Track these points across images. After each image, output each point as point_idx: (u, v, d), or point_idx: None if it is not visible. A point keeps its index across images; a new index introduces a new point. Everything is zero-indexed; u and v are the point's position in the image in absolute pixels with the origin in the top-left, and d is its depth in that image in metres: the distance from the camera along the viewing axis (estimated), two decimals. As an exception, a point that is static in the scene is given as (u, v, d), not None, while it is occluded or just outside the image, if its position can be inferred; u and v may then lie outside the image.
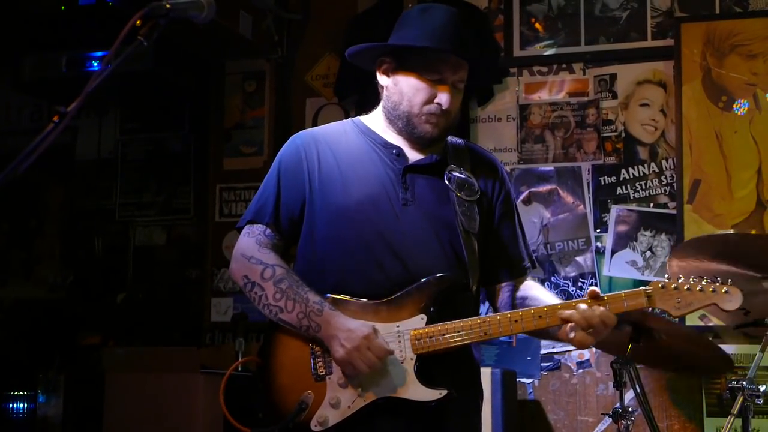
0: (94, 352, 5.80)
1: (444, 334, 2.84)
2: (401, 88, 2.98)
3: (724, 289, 2.77)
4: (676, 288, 2.79)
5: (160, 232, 6.34)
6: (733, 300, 2.77)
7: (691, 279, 2.80)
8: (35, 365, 5.52)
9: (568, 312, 2.81)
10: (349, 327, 2.81)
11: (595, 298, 2.82)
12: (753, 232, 4.93)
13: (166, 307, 6.20)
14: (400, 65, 2.99)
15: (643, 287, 2.82)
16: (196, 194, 6.26)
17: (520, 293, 3.09)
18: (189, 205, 6.29)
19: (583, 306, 2.80)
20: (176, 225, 6.32)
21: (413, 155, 3.03)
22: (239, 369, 3.29)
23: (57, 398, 4.51)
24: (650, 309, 2.88)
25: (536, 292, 3.07)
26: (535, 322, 2.83)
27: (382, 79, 3.05)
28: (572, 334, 2.82)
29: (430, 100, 2.95)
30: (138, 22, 2.40)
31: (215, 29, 5.47)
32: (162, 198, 6.34)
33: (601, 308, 2.79)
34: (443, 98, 2.94)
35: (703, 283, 2.78)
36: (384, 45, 3.04)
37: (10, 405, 4.68)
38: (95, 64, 5.67)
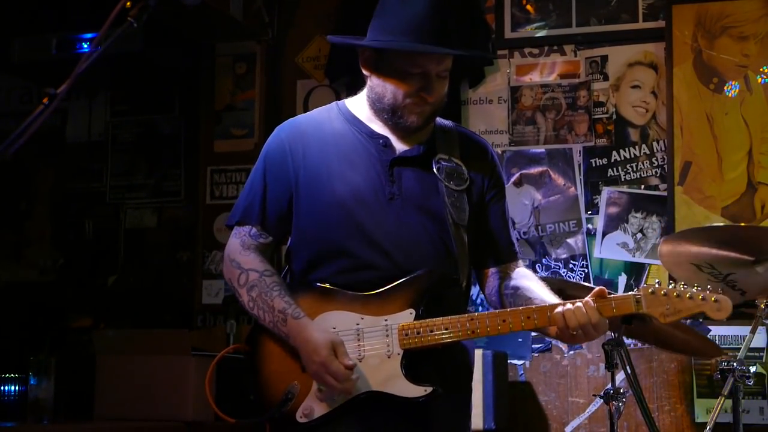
0: (85, 334, 5.79)
1: (432, 330, 2.81)
2: (384, 81, 2.92)
3: (714, 297, 2.74)
4: (665, 294, 2.76)
5: (151, 215, 6.33)
6: (722, 310, 2.74)
7: (681, 285, 2.77)
8: (26, 348, 5.50)
9: (559, 317, 2.76)
10: (310, 345, 2.78)
11: (601, 297, 2.76)
12: (742, 224, 4.93)
13: (157, 289, 6.20)
14: (381, 57, 2.93)
15: (633, 292, 2.78)
16: (187, 176, 6.25)
17: (511, 282, 3.03)
18: (180, 187, 6.28)
19: (579, 308, 2.75)
20: (167, 207, 6.31)
21: (400, 146, 2.98)
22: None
23: (48, 381, 4.49)
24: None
25: (527, 282, 3.01)
26: (523, 323, 2.80)
27: (365, 69, 3.01)
28: (561, 334, 2.80)
29: (413, 93, 2.89)
30: (128, 3, 2.39)
31: (205, 11, 5.45)
32: (152, 180, 6.33)
33: (597, 316, 2.74)
34: (427, 91, 2.89)
35: (693, 290, 2.75)
36: (361, 45, 2.97)
37: (2, 388, 4.67)
38: (85, 46, 5.66)
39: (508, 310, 2.85)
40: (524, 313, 2.81)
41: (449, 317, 2.82)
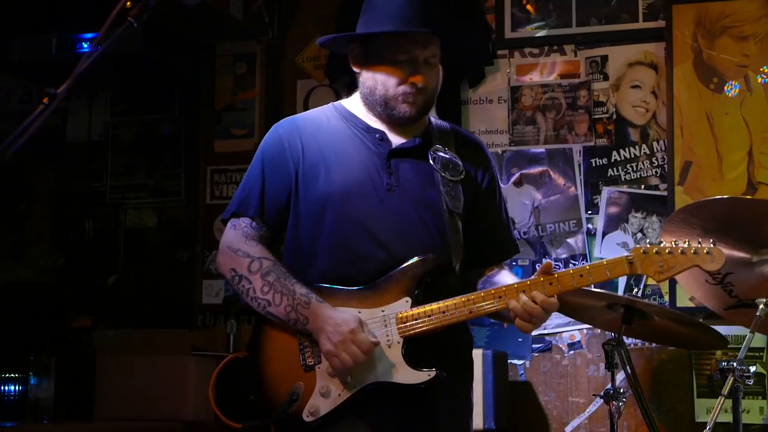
0: (85, 334, 5.81)
1: (429, 316, 2.84)
2: (374, 74, 2.97)
3: (706, 249, 2.76)
4: (657, 252, 2.78)
5: (151, 215, 6.33)
6: (715, 261, 2.76)
7: (672, 242, 2.79)
8: (26, 348, 5.51)
9: (512, 303, 2.82)
10: (336, 320, 2.81)
11: (546, 273, 2.82)
12: (747, 196, 4.91)
13: (157, 289, 6.20)
14: (370, 50, 2.98)
15: (625, 254, 2.82)
16: (187, 176, 6.25)
17: (488, 278, 3.09)
18: (180, 187, 6.28)
19: (523, 298, 2.81)
20: (167, 207, 6.31)
21: (396, 139, 3.02)
22: (230, 352, 3.28)
23: (48, 381, 4.50)
24: (633, 276, 2.88)
25: (500, 277, 3.08)
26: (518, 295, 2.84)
27: (355, 66, 3.04)
28: (516, 320, 2.84)
29: (404, 81, 2.94)
30: (128, 3, 2.40)
31: (206, 11, 5.45)
32: (153, 180, 6.33)
33: (541, 296, 2.80)
34: (417, 77, 2.93)
35: (684, 245, 2.77)
36: (348, 35, 3.03)
37: (2, 387, 4.69)
38: (85, 46, 5.65)
39: (504, 287, 2.87)
40: (519, 287, 2.84)
41: (445, 301, 2.85)
